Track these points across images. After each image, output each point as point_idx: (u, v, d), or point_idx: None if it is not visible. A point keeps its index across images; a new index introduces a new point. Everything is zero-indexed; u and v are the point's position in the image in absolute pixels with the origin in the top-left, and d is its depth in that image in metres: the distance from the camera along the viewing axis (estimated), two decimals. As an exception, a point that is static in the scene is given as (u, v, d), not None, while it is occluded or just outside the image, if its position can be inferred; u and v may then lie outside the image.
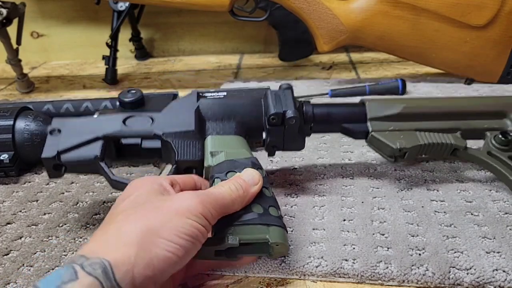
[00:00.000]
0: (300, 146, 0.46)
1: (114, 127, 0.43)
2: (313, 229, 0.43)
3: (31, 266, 0.41)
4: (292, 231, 0.43)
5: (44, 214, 0.49)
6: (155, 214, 0.30)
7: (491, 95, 0.49)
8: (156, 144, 0.45)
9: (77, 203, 0.50)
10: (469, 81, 0.76)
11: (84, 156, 0.41)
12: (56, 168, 0.42)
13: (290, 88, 0.46)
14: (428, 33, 0.71)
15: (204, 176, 0.42)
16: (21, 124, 0.56)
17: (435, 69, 0.78)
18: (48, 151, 0.41)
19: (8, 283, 0.39)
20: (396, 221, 0.43)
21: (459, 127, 0.47)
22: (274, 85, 0.80)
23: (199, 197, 0.32)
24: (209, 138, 0.42)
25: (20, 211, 0.49)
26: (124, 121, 0.44)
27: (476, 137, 0.48)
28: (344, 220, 0.44)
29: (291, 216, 0.45)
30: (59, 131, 0.43)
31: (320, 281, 0.38)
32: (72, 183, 0.54)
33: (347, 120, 0.47)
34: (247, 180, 0.36)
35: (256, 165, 0.39)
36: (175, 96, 0.65)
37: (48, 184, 0.55)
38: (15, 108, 0.57)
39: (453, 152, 0.47)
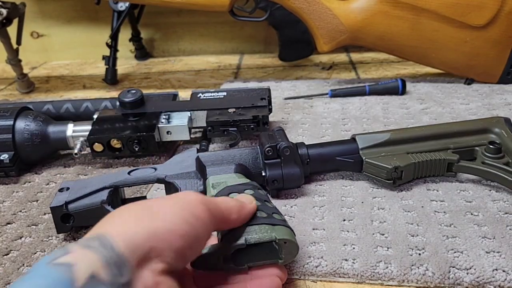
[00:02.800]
0: (299, 181, 0.48)
1: (120, 177, 0.45)
2: (313, 229, 0.43)
3: (31, 266, 0.41)
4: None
5: (44, 214, 0.49)
6: (153, 202, 0.29)
7: (472, 119, 0.53)
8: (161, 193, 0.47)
9: (77, 203, 0.50)
10: (469, 81, 0.76)
11: (91, 203, 0.43)
12: (64, 219, 0.43)
13: (281, 129, 0.50)
14: (428, 33, 0.71)
15: None
16: (21, 124, 0.56)
17: (435, 69, 0.78)
18: (56, 202, 0.43)
19: (8, 283, 0.39)
20: (396, 221, 0.43)
21: (448, 147, 0.49)
22: (274, 85, 0.81)
23: (198, 194, 0.31)
24: (211, 177, 0.44)
25: (20, 211, 0.49)
26: (129, 173, 0.46)
27: (467, 157, 0.49)
28: (344, 220, 0.44)
29: (291, 216, 0.45)
30: (68, 188, 0.45)
31: (320, 281, 0.38)
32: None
33: (341, 154, 0.49)
34: (242, 199, 0.35)
35: (256, 187, 0.40)
36: (175, 96, 0.65)
37: (48, 184, 0.55)
38: (15, 108, 0.57)
39: (448, 168, 0.49)
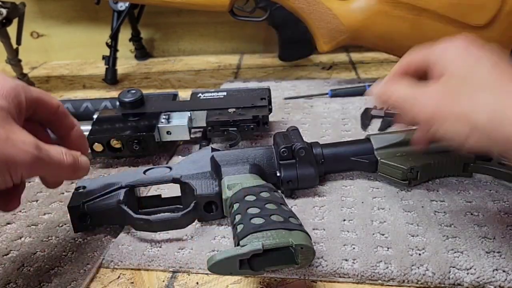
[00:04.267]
0: (313, 181, 0.48)
1: (135, 177, 0.45)
2: (313, 229, 0.43)
3: (31, 266, 0.41)
4: (292, 231, 0.43)
5: (44, 214, 0.49)
6: None
7: None
8: (176, 192, 0.47)
9: (77, 203, 0.50)
10: (469, 81, 0.76)
11: (108, 203, 0.43)
12: (81, 219, 0.44)
13: (296, 129, 0.50)
14: (428, 33, 0.71)
15: (224, 210, 0.43)
16: None
17: (435, 69, 0.78)
18: (74, 202, 0.44)
19: (8, 283, 0.39)
20: (396, 221, 0.43)
21: None
22: (274, 85, 0.81)
23: (37, 151, 0.32)
24: (226, 178, 0.44)
25: (20, 211, 0.49)
26: (144, 172, 0.46)
27: (483, 157, 0.48)
28: (344, 220, 0.44)
29: (291, 216, 0.45)
30: (84, 187, 0.45)
31: (320, 281, 0.38)
32: (72, 183, 0.54)
33: (355, 154, 0.49)
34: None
35: (272, 189, 0.40)
36: (175, 96, 0.65)
37: (48, 184, 0.55)
38: None
39: (464, 168, 0.48)
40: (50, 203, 0.51)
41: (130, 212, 0.42)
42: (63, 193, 0.52)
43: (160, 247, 0.42)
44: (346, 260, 0.39)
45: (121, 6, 0.91)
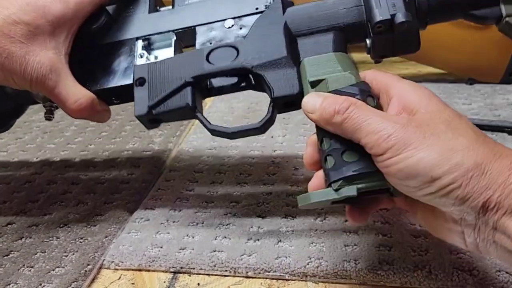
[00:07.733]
0: (414, 48, 0.39)
1: (198, 67, 0.39)
2: (315, 230, 0.43)
3: (32, 267, 0.41)
4: (292, 232, 0.43)
5: (45, 214, 0.49)
6: None
7: None
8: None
9: (78, 204, 0.50)
10: (471, 81, 0.76)
11: (176, 105, 0.38)
12: (152, 121, 0.40)
13: None
14: (429, 33, 0.71)
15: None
16: None
17: (437, 69, 0.78)
18: (140, 109, 0.39)
19: (9, 284, 0.39)
20: (398, 221, 0.43)
21: None
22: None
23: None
24: (305, 62, 0.36)
25: (21, 211, 0.49)
26: (207, 58, 0.39)
27: None
28: (346, 220, 0.44)
29: (293, 217, 0.45)
30: (144, 80, 0.39)
31: (322, 282, 0.38)
32: (73, 183, 0.54)
33: (472, 5, 0.38)
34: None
35: (365, 92, 0.32)
36: None
37: (48, 184, 0.55)
38: None
39: None
40: (51, 203, 0.50)
41: (206, 122, 0.38)
42: (64, 194, 0.52)
43: (161, 247, 0.42)
44: (348, 261, 0.38)
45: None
